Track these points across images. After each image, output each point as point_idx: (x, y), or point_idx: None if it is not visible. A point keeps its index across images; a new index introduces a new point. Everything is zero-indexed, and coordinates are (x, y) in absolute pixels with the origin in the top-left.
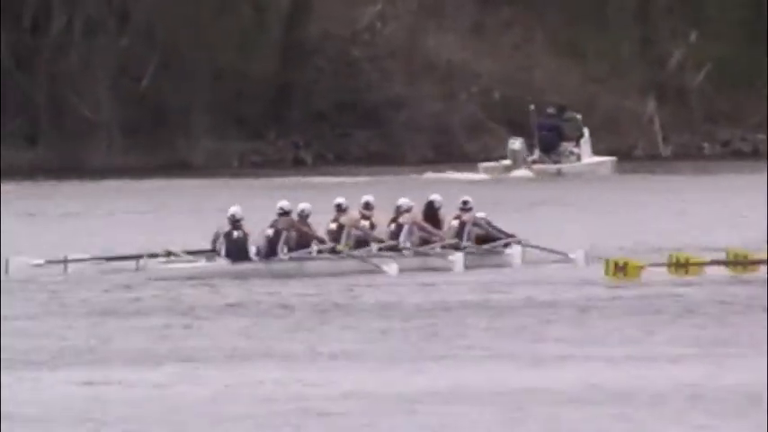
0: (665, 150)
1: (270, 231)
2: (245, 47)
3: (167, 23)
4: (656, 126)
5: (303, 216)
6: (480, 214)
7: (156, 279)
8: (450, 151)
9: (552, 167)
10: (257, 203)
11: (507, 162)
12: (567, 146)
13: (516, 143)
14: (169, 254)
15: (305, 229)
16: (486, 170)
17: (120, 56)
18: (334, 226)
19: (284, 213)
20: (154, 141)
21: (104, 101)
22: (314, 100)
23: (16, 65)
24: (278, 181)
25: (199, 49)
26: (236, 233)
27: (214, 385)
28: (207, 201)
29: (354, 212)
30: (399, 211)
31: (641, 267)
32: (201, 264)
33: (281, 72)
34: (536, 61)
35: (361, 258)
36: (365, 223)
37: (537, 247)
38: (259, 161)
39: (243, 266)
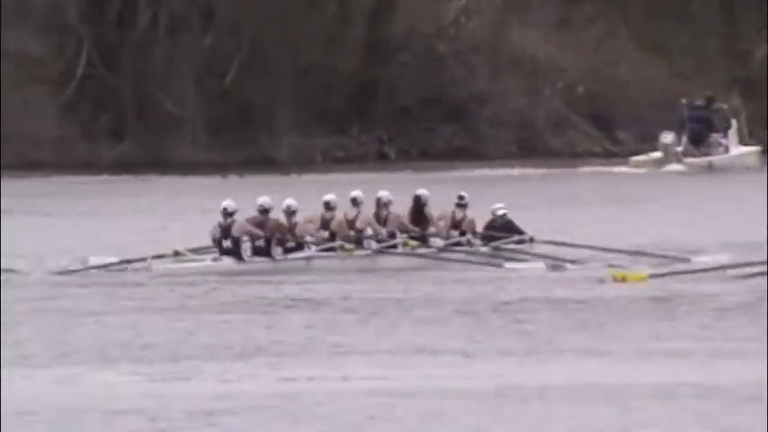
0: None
1: (261, 242)
2: (330, 43)
3: (252, 20)
4: (743, 121)
5: (289, 212)
6: (499, 205)
7: (162, 277)
8: (533, 146)
9: (704, 160)
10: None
11: (658, 155)
12: (716, 137)
13: (668, 137)
14: (176, 253)
15: (287, 228)
16: (638, 164)
17: (204, 52)
18: (326, 234)
19: (264, 211)
20: (238, 137)
21: (189, 97)
22: (398, 95)
23: (102, 61)
24: (361, 176)
25: (283, 46)
26: (224, 242)
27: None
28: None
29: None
30: (380, 205)
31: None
32: (206, 263)
33: (366, 68)
34: (620, 56)
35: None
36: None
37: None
38: (343, 156)
39: (248, 266)
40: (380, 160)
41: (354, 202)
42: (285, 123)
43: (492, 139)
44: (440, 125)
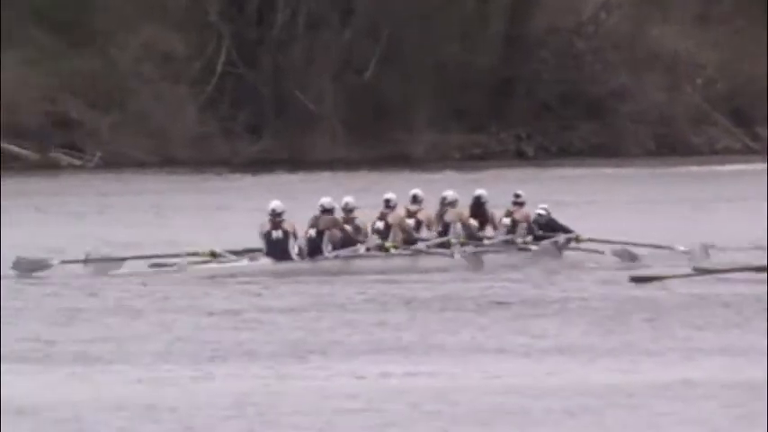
0: None
1: (312, 232)
2: (468, 39)
3: (390, 16)
4: None
5: (348, 210)
6: (542, 206)
7: (200, 278)
8: (672, 143)
9: None
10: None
11: None
12: None
13: None
14: (213, 254)
15: (347, 227)
16: None
17: (342, 49)
18: (381, 225)
19: (326, 211)
20: (375, 134)
21: (327, 94)
22: (536, 92)
23: (241, 58)
24: (498, 172)
25: (421, 42)
26: (275, 233)
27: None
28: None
29: (400, 209)
30: (443, 205)
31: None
32: (244, 263)
33: (504, 64)
34: (759, 52)
35: (413, 254)
36: (410, 221)
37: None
38: (480, 153)
39: (286, 266)
40: (518, 157)
41: (415, 199)
42: (422, 120)
43: (631, 136)
44: (578, 122)
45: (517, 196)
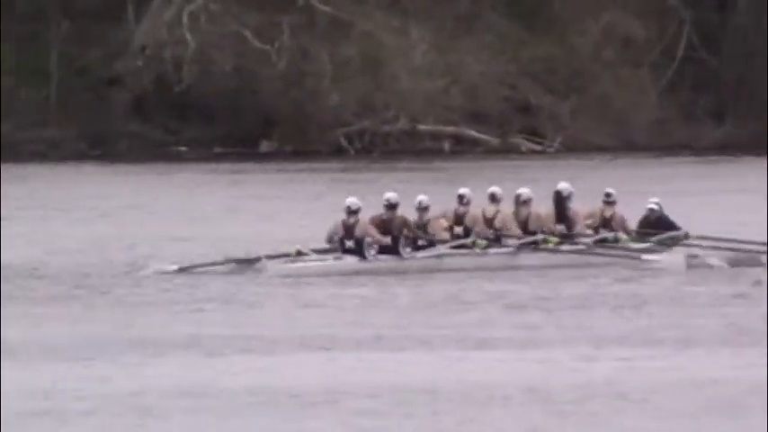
0: None
1: (387, 239)
2: None
3: None
4: None
5: (421, 209)
6: (652, 200)
7: (282, 277)
8: None
9: None
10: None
11: None
12: None
13: None
14: (299, 253)
15: (418, 232)
16: None
17: None
18: (460, 229)
19: (391, 207)
20: None
21: None
22: None
23: (702, 43)
24: None
25: None
26: (347, 242)
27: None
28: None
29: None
30: (519, 202)
31: None
32: (330, 262)
33: None
34: None
35: (511, 253)
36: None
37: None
38: None
39: (372, 264)
40: None
41: (493, 198)
42: None
43: None
44: None
45: (608, 195)
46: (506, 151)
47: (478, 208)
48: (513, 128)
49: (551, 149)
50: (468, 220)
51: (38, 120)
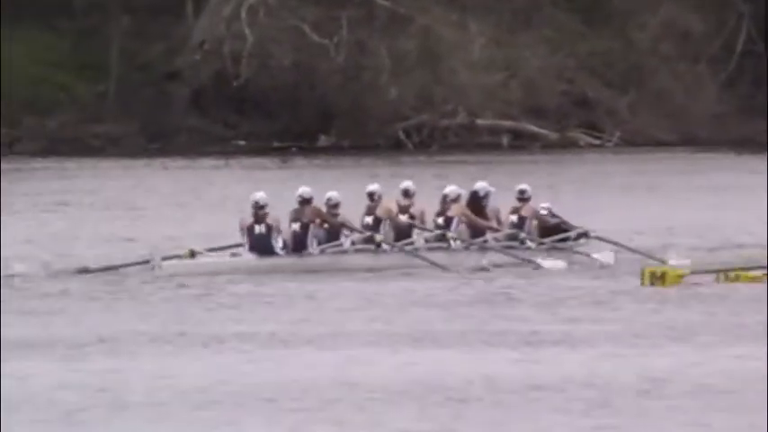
0: None
1: (296, 226)
2: None
3: None
4: None
5: (330, 205)
6: (544, 204)
7: (173, 276)
8: None
9: None
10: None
11: None
12: None
13: None
14: (192, 253)
15: (333, 220)
16: None
17: None
18: (369, 219)
19: (305, 202)
20: None
21: None
22: None
23: (761, 37)
24: None
25: None
26: (257, 228)
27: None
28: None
29: (391, 202)
30: (446, 202)
31: (680, 276)
32: (226, 259)
33: None
34: None
35: (412, 252)
36: (402, 217)
37: (616, 243)
38: None
39: (271, 261)
40: None
41: (406, 193)
42: None
43: None
44: None
45: (522, 192)
46: (565, 146)
47: (393, 202)
48: (572, 122)
49: (610, 144)
50: (379, 212)
51: (96, 115)
